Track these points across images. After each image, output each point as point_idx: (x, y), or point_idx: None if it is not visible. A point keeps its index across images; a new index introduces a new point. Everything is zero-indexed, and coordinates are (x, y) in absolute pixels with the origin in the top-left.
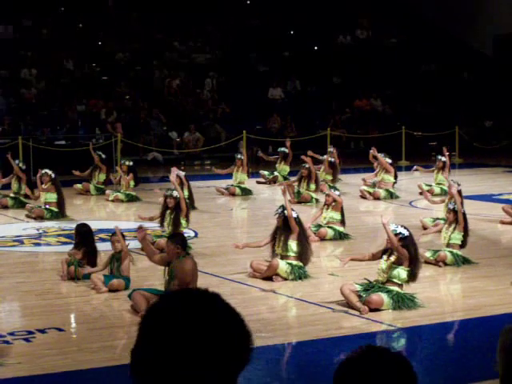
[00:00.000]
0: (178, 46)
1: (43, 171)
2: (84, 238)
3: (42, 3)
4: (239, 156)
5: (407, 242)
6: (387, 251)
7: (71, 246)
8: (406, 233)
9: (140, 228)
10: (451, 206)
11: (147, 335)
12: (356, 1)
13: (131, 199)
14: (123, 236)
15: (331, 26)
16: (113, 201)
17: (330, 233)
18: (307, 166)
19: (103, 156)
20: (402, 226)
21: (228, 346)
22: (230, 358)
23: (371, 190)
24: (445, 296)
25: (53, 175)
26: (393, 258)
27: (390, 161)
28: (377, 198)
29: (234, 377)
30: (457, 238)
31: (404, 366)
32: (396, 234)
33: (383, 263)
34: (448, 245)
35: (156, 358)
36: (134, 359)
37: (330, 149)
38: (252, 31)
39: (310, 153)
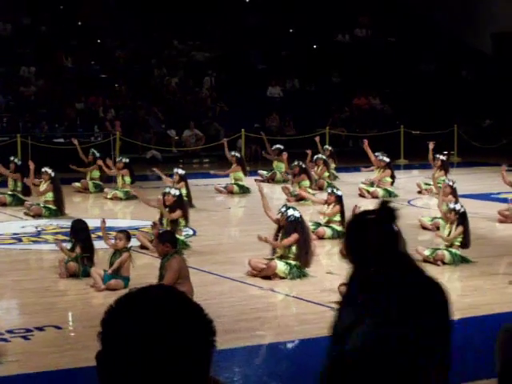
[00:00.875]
0: (177, 44)
1: (43, 170)
2: (78, 234)
3: (41, 1)
4: (233, 153)
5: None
6: None
7: (69, 244)
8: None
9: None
10: (452, 206)
11: (109, 338)
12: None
13: (129, 197)
14: (129, 236)
15: (330, 24)
16: (111, 199)
17: (328, 232)
18: (296, 163)
19: (97, 154)
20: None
21: (192, 336)
22: (196, 348)
23: (370, 189)
24: None
25: (52, 174)
26: None
27: (387, 160)
28: (375, 197)
29: (204, 368)
30: (457, 238)
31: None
32: None
33: None
34: (448, 244)
35: (122, 359)
36: (100, 363)
37: (327, 146)
38: (251, 29)
39: (317, 139)
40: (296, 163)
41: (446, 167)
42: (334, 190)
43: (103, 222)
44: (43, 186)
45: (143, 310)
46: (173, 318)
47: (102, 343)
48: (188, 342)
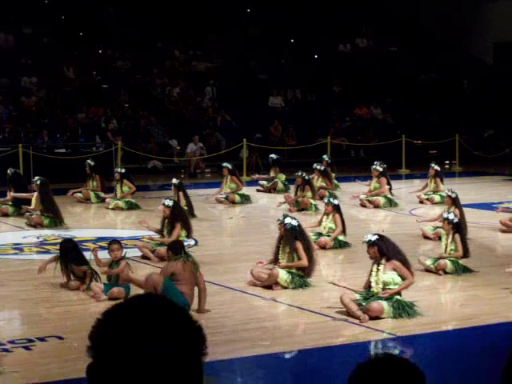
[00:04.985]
0: (179, 54)
1: (33, 180)
2: (66, 254)
3: (43, 11)
4: (225, 164)
5: (379, 242)
6: (376, 262)
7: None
8: (373, 238)
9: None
10: (445, 215)
11: (99, 351)
12: (356, 10)
13: (131, 207)
14: (121, 245)
15: (331, 34)
16: (113, 209)
17: (330, 242)
18: (300, 173)
19: (92, 163)
20: (371, 234)
21: (183, 346)
22: (187, 358)
23: (371, 199)
24: (444, 304)
25: (38, 182)
26: (382, 268)
27: (380, 169)
28: (376, 206)
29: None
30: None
31: (416, 373)
32: (370, 242)
33: (374, 276)
34: (449, 254)
35: (113, 373)
36: (91, 376)
37: (324, 156)
38: (252, 39)
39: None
40: (299, 174)
41: (440, 176)
42: (331, 200)
43: (95, 250)
44: (34, 199)
45: (132, 323)
46: (162, 328)
47: (93, 357)
48: (179, 351)
